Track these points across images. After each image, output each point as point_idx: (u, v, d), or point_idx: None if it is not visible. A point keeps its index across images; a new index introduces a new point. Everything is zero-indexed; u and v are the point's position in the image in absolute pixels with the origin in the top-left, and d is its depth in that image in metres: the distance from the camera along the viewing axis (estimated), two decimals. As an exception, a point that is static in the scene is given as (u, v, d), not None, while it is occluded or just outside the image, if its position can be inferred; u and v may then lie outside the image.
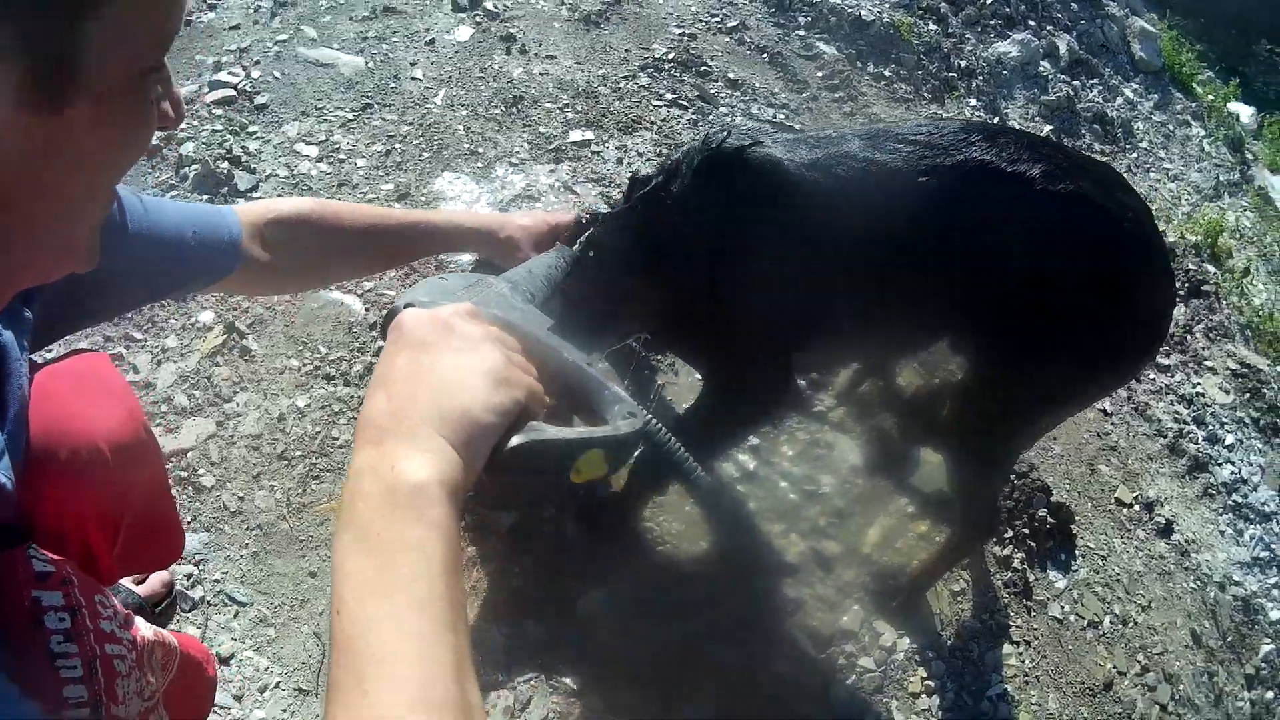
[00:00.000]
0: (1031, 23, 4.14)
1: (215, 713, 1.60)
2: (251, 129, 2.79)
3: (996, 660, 2.16)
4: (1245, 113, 4.64)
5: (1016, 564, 2.29)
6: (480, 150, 2.92)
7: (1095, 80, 4.17)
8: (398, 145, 2.87)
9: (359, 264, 1.65)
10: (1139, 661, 2.34)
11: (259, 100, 2.89)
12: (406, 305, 0.89)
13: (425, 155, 2.87)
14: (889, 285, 1.61)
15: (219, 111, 2.82)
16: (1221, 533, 2.77)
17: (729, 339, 1.74)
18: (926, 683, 2.04)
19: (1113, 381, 1.83)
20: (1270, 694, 2.58)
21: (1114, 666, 2.30)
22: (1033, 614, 2.27)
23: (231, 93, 2.89)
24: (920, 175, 1.53)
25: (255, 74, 2.99)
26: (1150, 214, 1.63)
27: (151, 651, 0.94)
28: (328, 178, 2.71)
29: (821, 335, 1.74)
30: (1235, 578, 2.69)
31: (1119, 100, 4.18)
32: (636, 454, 0.97)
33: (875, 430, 2.34)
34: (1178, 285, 3.28)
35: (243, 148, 2.71)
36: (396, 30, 3.35)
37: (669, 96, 3.22)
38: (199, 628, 1.72)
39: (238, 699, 1.66)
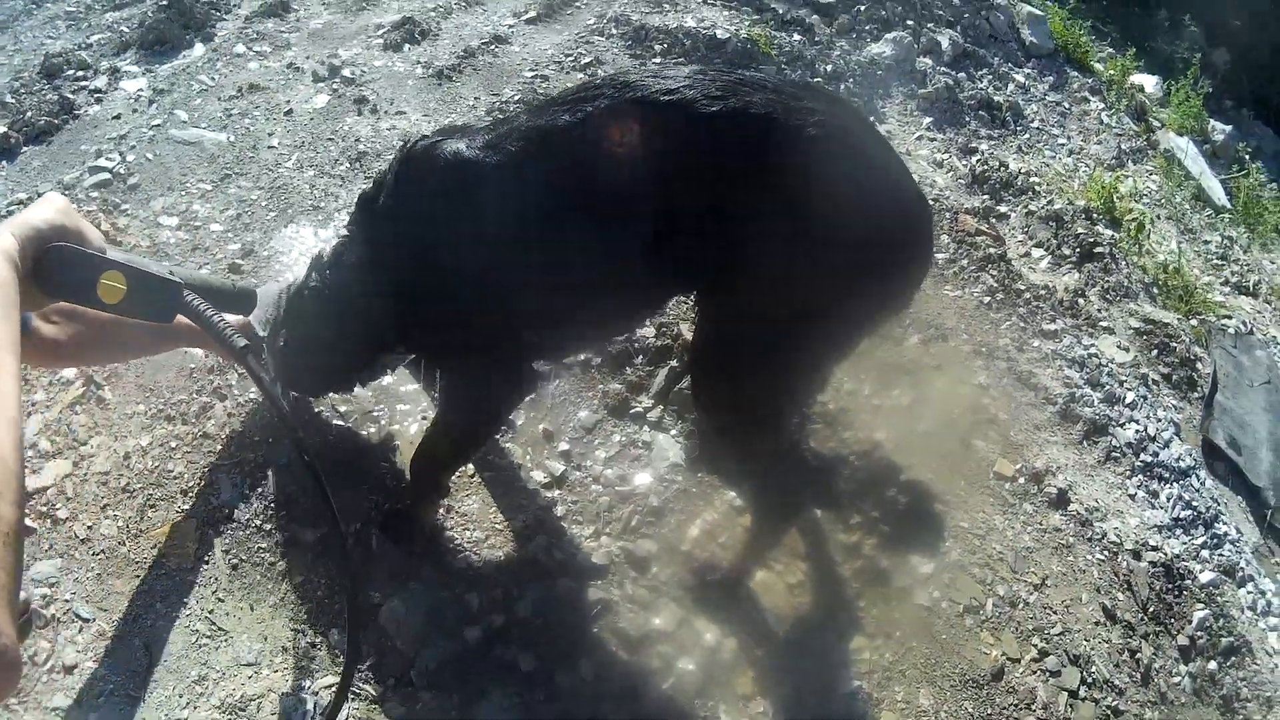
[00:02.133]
0: (910, 23, 4.09)
1: (58, 716, 1.76)
2: (124, 207, 2.90)
3: (845, 655, 1.97)
4: (1150, 82, 4.53)
5: (867, 549, 2.11)
6: (322, 205, 2.97)
7: (984, 70, 4.09)
8: (248, 209, 2.94)
9: (123, 351, 2.00)
10: (1035, 645, 2.13)
11: (131, 181, 3.02)
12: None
13: (272, 215, 2.93)
14: (583, 245, 1.54)
15: (95, 194, 2.96)
16: (1131, 496, 2.56)
17: (456, 333, 1.70)
18: (758, 682, 1.86)
19: (852, 299, 1.63)
20: (1213, 664, 2.33)
21: (1003, 653, 2.10)
22: (892, 603, 2.07)
23: (108, 176, 3.04)
24: (575, 128, 1.50)
25: (130, 158, 3.11)
26: (859, 118, 1.55)
27: None
28: (184, 243, 2.79)
29: (541, 312, 1.65)
30: (1152, 542, 2.47)
31: (1010, 86, 4.09)
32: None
33: (695, 425, 2.19)
34: (1068, 253, 3.13)
35: (113, 224, 2.81)
36: (259, 105, 3.45)
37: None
38: (50, 642, 1.85)
39: (78, 703, 1.78)
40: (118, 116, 3.39)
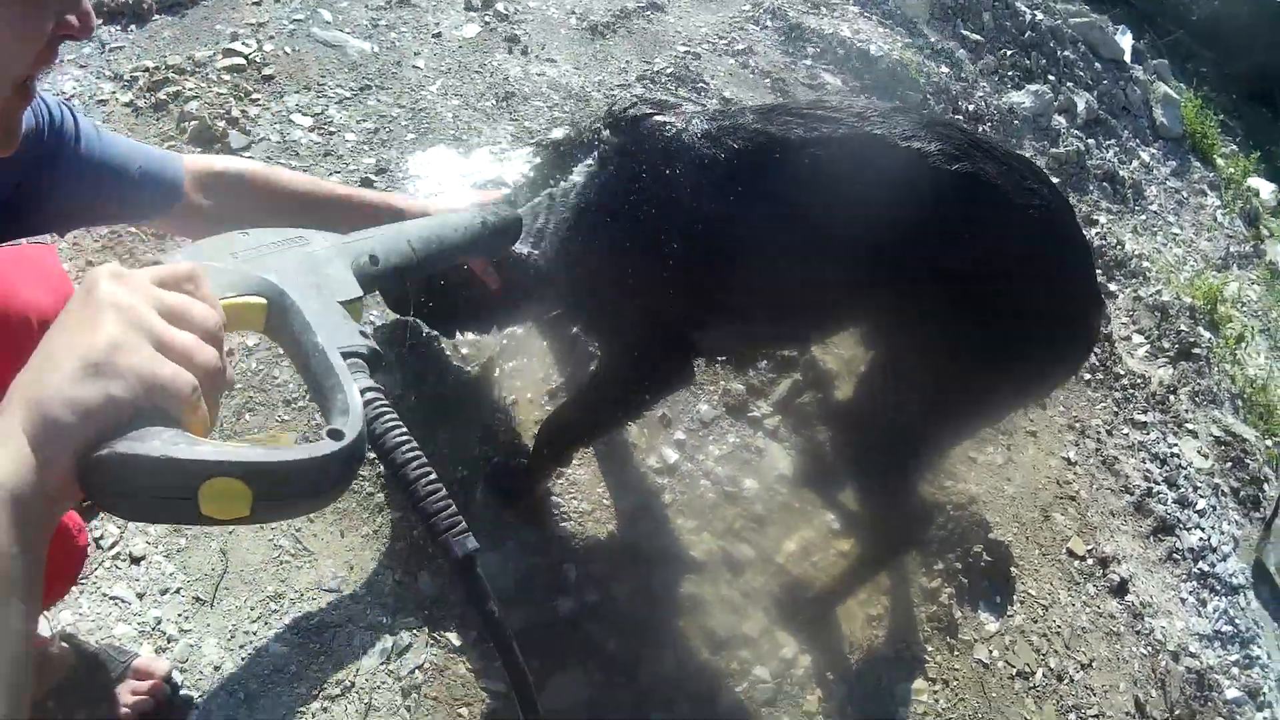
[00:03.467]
0: (1051, 78, 4.08)
1: (116, 604, 1.71)
2: (255, 96, 2.87)
3: (906, 694, 2.03)
4: (1266, 189, 4.53)
5: (944, 599, 2.17)
6: (464, 138, 2.95)
7: (1112, 140, 4.08)
8: (387, 125, 2.92)
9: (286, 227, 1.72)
10: (1070, 721, 2.20)
11: (266, 71, 2.98)
12: (152, 264, 0.75)
13: (411, 136, 2.91)
14: (781, 261, 1.56)
15: (227, 77, 2.91)
16: (1182, 600, 2.62)
17: (627, 308, 1.71)
18: (824, 704, 1.93)
19: (1022, 388, 1.71)
20: (1220, 777, 2.42)
21: (1042, 722, 2.17)
22: (955, 653, 2.14)
23: (242, 61, 2.99)
24: (809, 146, 1.51)
25: (268, 47, 3.07)
26: (1069, 210, 1.57)
27: None
28: (316, 147, 2.77)
29: (719, 316, 1.68)
30: (1192, 649, 2.54)
31: (1134, 163, 4.09)
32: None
33: (809, 442, 2.24)
34: (1167, 346, 3.17)
35: (243, 111, 2.78)
36: (408, 21, 3.41)
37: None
38: (119, 528, 1.80)
39: (139, 596, 1.74)
40: (258, 3, 3.31)
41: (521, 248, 1.67)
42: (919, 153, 1.48)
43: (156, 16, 3.15)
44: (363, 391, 0.77)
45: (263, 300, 0.82)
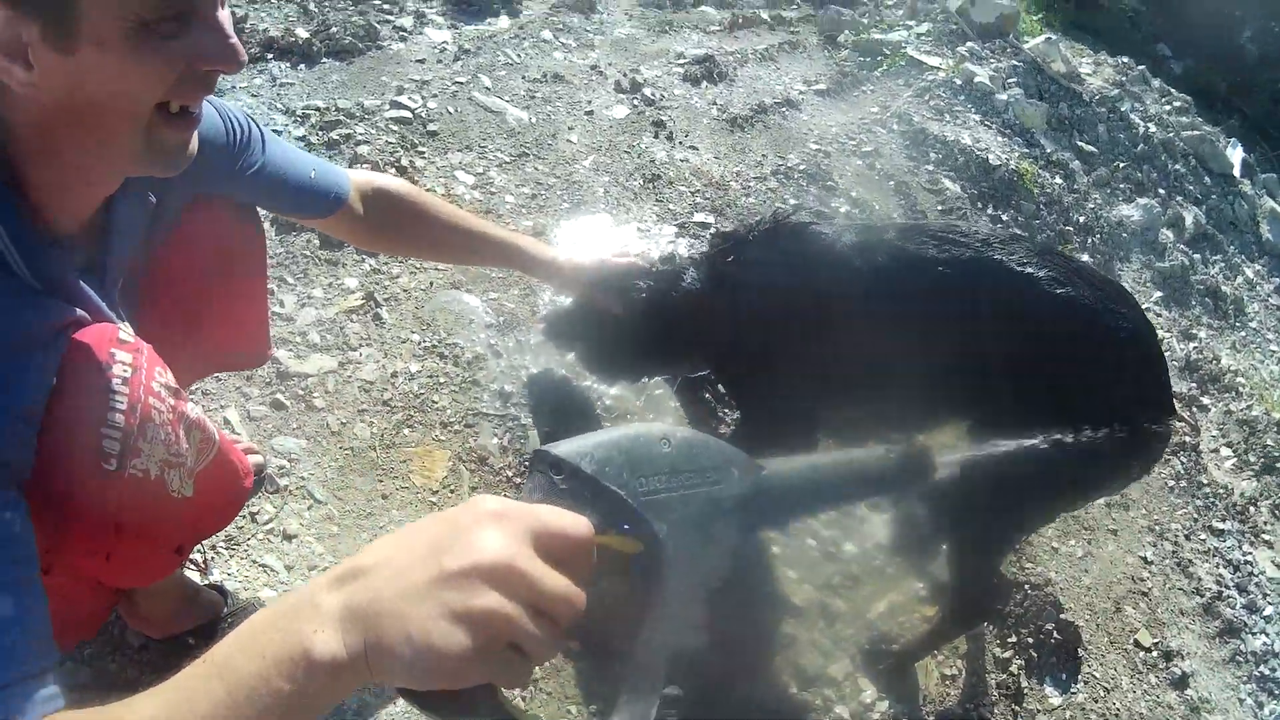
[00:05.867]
0: (1161, 191, 4.29)
1: (264, 571, 1.89)
2: (420, 148, 3.20)
3: (972, 753, 2.28)
4: (1369, 315, 4.62)
5: (1014, 669, 2.41)
6: (613, 213, 3.27)
7: (1218, 256, 4.26)
8: (543, 192, 3.24)
9: (432, 251, 2.06)
10: (1119, 804, 2.41)
11: (431, 127, 3.30)
12: (550, 462, 0.74)
13: (565, 205, 3.23)
14: (906, 360, 1.83)
15: (395, 127, 3.24)
16: (1240, 700, 2.79)
17: (770, 385, 2.02)
18: (895, 750, 2.19)
19: (1099, 483, 1.98)
20: None
21: (1092, 802, 2.38)
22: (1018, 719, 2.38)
23: (408, 115, 3.31)
24: (939, 265, 1.79)
25: (432, 105, 3.41)
26: (1150, 329, 1.84)
27: (191, 425, 1.13)
28: (478, 204, 3.07)
29: (841, 398, 1.98)
30: (1244, 749, 2.71)
31: (1239, 279, 4.25)
32: None
33: (907, 515, 2.52)
34: (1253, 460, 3.34)
35: (410, 162, 3.11)
36: (562, 96, 3.77)
37: (791, 202, 3.51)
38: (275, 508, 2.00)
39: (288, 569, 1.92)
40: (421, 61, 3.66)
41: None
42: (1029, 278, 1.77)
43: (325, 60, 3.47)
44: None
45: (637, 548, 0.77)
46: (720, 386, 2.48)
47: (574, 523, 0.69)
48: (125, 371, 1.02)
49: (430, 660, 0.62)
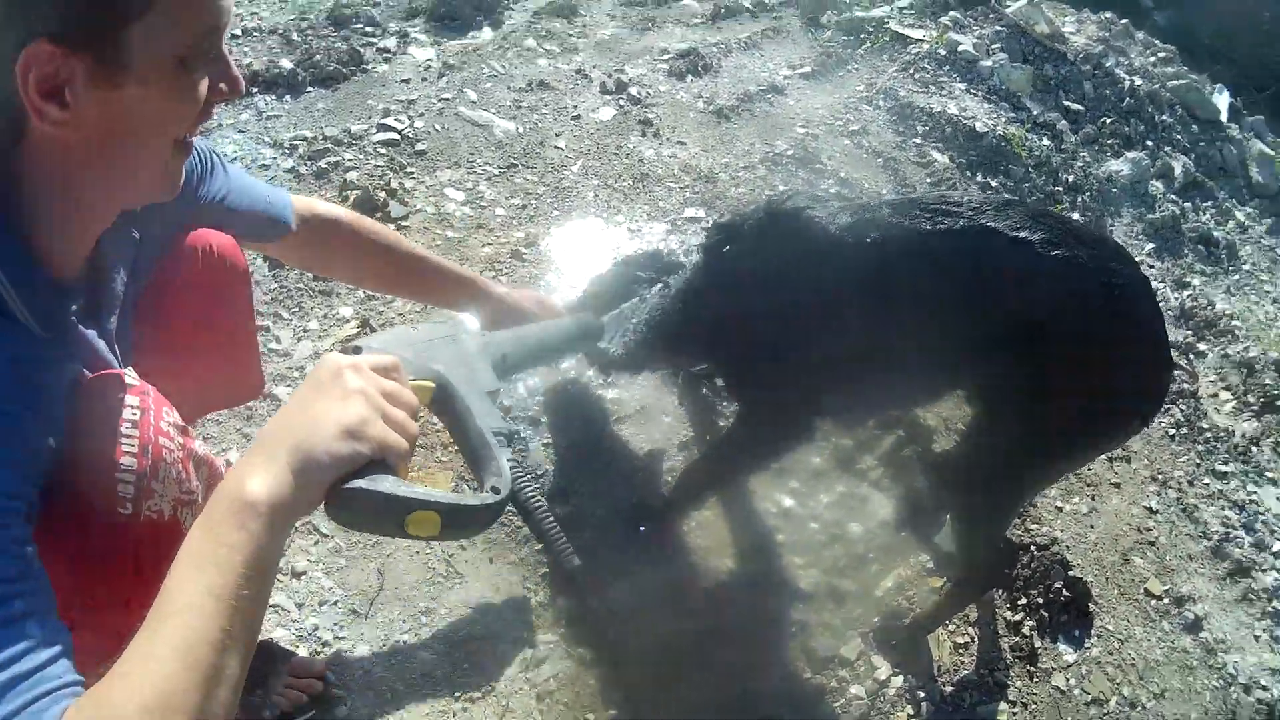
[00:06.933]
0: (1149, 143, 4.30)
1: (275, 610, 1.93)
2: (409, 169, 3.26)
3: (990, 715, 2.34)
4: (1367, 244, 4.62)
5: (1026, 630, 2.47)
6: (604, 216, 3.33)
7: (1209, 202, 4.28)
8: (533, 201, 3.29)
9: (364, 275, 2.03)
10: (1143, 748, 2.47)
11: (419, 146, 3.35)
12: (354, 349, 1.07)
13: (556, 213, 3.29)
14: (906, 338, 1.90)
15: (383, 150, 3.30)
16: (1256, 637, 2.84)
17: (770, 376, 2.08)
18: (913, 720, 2.27)
19: (1102, 438, 2.03)
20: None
21: (1115, 749, 2.44)
22: (1035, 680, 2.43)
23: (395, 136, 3.37)
24: (935, 238, 1.83)
25: (419, 124, 3.46)
26: (1145, 283, 1.87)
27: (199, 462, 1.17)
28: (469, 220, 3.12)
29: (843, 382, 2.03)
30: (1264, 682, 2.76)
31: (1230, 223, 4.27)
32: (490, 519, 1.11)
33: (909, 490, 2.59)
34: (1253, 400, 3.38)
35: (399, 183, 3.16)
36: (548, 103, 3.81)
37: (781, 188, 3.56)
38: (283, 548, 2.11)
39: (299, 606, 1.96)
40: (406, 81, 3.70)
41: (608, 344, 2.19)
42: (1025, 241, 1.78)
43: (310, 89, 3.51)
44: (507, 460, 1.14)
45: (433, 385, 1.19)
46: (718, 380, 2.54)
47: (390, 359, 1.04)
48: (134, 415, 1.06)
49: (342, 446, 0.91)
